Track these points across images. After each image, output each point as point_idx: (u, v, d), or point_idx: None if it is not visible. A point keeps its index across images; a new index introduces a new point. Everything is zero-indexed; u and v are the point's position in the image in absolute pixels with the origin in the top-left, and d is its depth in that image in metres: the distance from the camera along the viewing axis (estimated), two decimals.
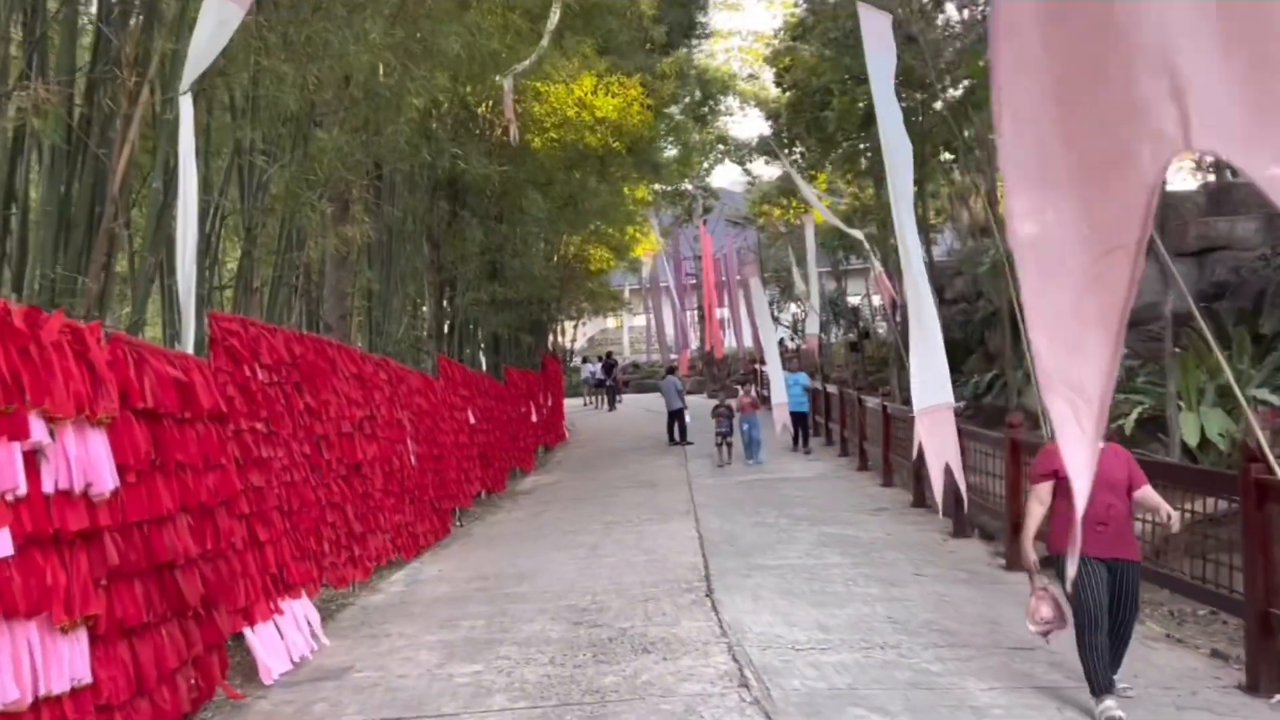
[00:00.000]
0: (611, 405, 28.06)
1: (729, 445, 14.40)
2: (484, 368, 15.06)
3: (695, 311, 33.13)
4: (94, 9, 5.53)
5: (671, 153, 24.78)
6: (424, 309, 12.66)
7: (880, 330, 26.93)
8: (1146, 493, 4.34)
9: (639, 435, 19.75)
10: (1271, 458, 4.38)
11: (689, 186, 31.17)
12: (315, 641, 5.96)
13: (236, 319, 5.96)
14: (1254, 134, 1.47)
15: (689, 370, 30.18)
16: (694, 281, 32.90)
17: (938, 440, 6.97)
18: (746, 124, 51.44)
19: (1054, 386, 1.84)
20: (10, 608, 3.35)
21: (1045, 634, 4.45)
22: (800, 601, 6.34)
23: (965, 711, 4.31)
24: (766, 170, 30.37)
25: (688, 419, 17.27)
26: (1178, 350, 10.51)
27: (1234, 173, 18.53)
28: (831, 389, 16.49)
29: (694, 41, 24.14)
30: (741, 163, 30.69)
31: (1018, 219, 1.92)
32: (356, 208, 8.63)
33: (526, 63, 8.56)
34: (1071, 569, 2.24)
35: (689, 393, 20.11)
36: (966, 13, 16.20)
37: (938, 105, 14.31)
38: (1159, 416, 9.83)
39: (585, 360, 33.01)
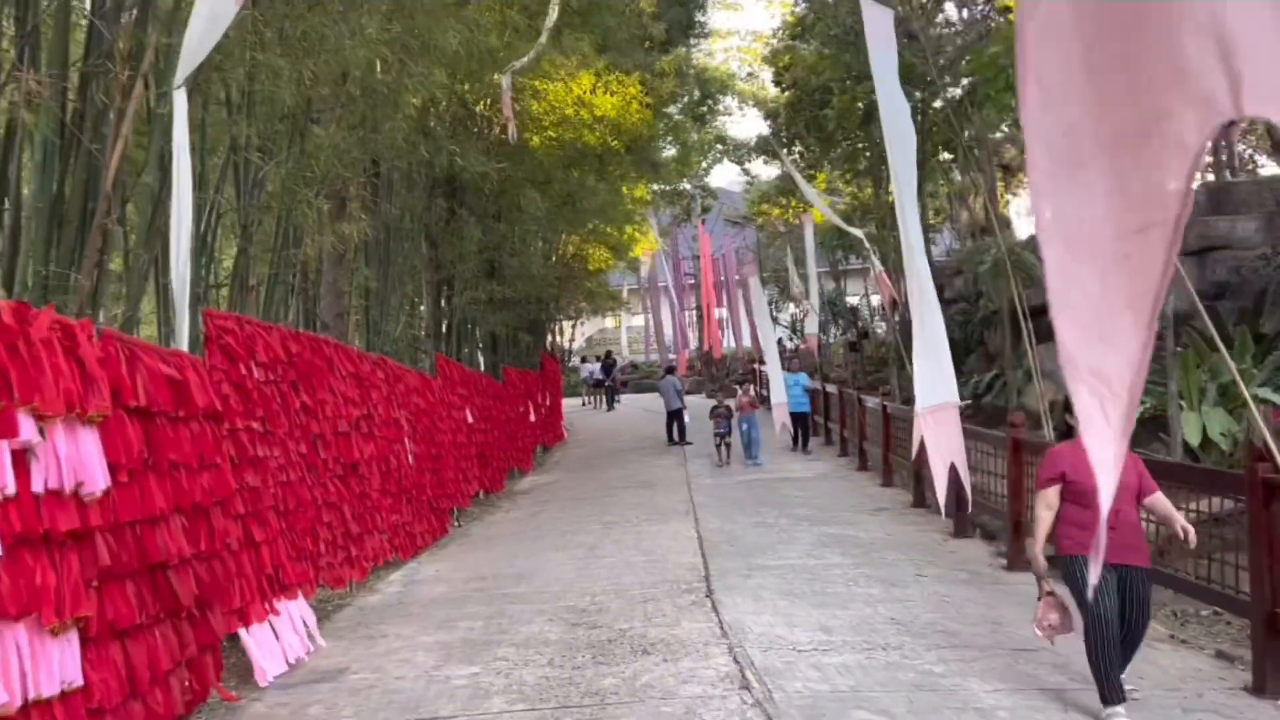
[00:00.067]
0: (610, 405, 28.00)
1: (727, 445, 14.35)
2: (482, 367, 15.00)
3: (694, 311, 33.09)
4: (87, 2, 5.47)
5: (670, 152, 24.73)
6: (422, 308, 12.60)
7: (879, 330, 26.91)
8: (1158, 499, 4.26)
9: (638, 435, 19.69)
10: (1279, 457, 4.34)
11: (687, 186, 31.13)
12: (311, 643, 5.90)
13: (232, 317, 5.90)
14: None
15: (687, 370, 30.14)
16: (693, 281, 32.87)
17: (942, 440, 6.90)
18: (745, 124, 51.41)
19: (1079, 376, 1.73)
20: None
21: (1050, 638, 4.40)
22: (801, 602, 6.29)
23: (970, 714, 4.25)
24: (765, 170, 30.35)
25: (686, 419, 17.21)
26: (1179, 350, 10.47)
27: (1233, 172, 18.49)
28: (831, 389, 16.44)
29: (693, 40, 24.10)
30: (740, 162, 30.65)
31: (1042, 196, 1.81)
32: (354, 205, 8.57)
33: (525, 60, 8.50)
34: (1093, 576, 2.13)
35: (688, 393, 20.05)
36: (966, 12, 16.18)
37: (938, 104, 14.27)
38: (1160, 416, 9.78)
39: (584, 360, 32.94)
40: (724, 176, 41.22)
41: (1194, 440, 10.01)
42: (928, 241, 16.74)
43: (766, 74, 25.92)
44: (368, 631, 6.36)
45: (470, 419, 12.25)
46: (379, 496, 8.18)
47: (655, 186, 25.70)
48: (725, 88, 28.48)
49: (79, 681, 3.65)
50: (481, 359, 15.34)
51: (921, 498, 9.96)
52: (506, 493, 13.68)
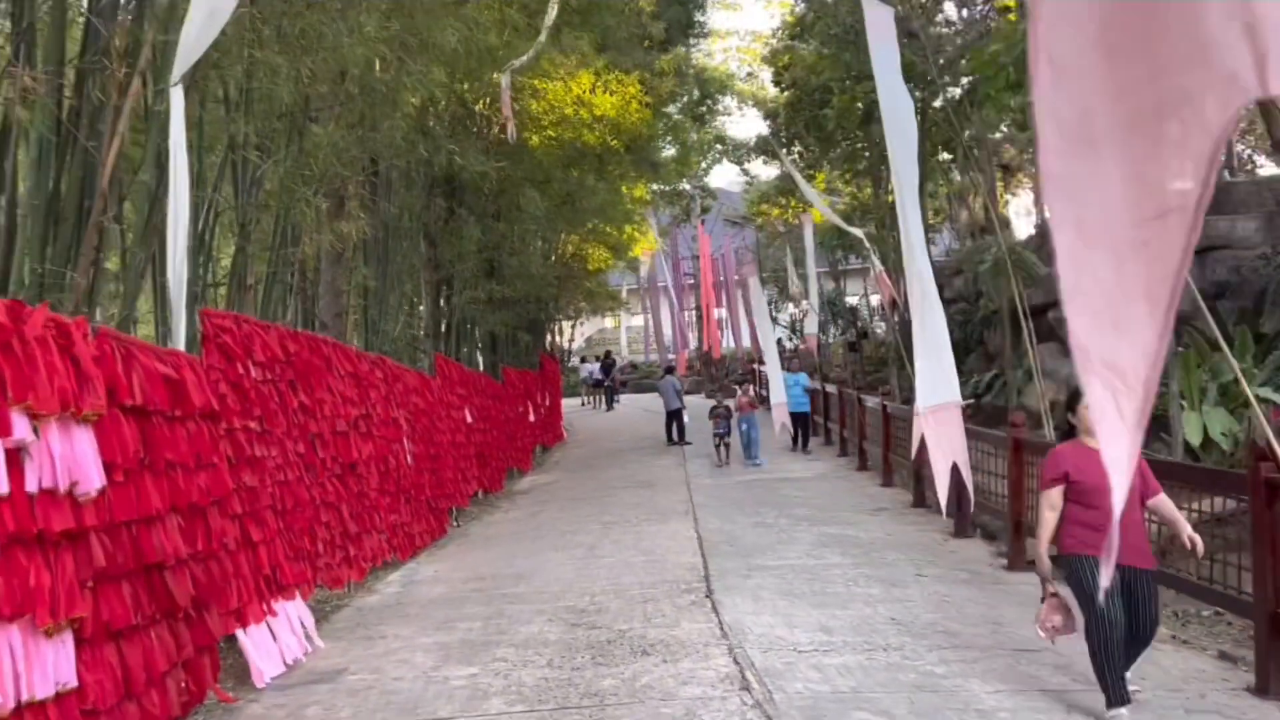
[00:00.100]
0: (609, 405, 27.97)
1: (727, 445, 14.32)
2: (481, 367, 14.97)
3: (693, 312, 33.07)
4: None
5: (670, 152, 24.71)
6: (421, 307, 12.58)
7: (879, 330, 26.90)
8: (1162, 501, 4.23)
9: (637, 435, 19.66)
10: None
11: (687, 186, 31.12)
12: (309, 643, 5.87)
13: (229, 315, 5.87)
14: None
15: (687, 370, 30.13)
16: (692, 281, 32.86)
17: (944, 439, 6.85)
18: (744, 124, 51.44)
19: (1091, 368, 1.65)
20: None
21: (1051, 638, 4.37)
22: (801, 602, 6.26)
23: (971, 715, 4.22)
24: (764, 170, 30.35)
25: (686, 419, 17.18)
26: (1180, 349, 10.45)
27: (1233, 172, 18.46)
28: (830, 389, 16.42)
29: (692, 40, 24.07)
30: (739, 163, 30.66)
31: (1054, 180, 1.74)
32: (352, 204, 8.54)
33: (524, 58, 8.47)
34: (1105, 580, 2.07)
35: (687, 393, 20.03)
36: (965, 11, 16.16)
37: (937, 103, 14.24)
38: (1161, 415, 9.75)
39: (583, 360, 32.91)
40: (723, 177, 41.20)
41: (1195, 440, 9.99)
42: (927, 242, 16.72)
43: (766, 74, 25.93)
44: (366, 632, 6.33)
45: (469, 419, 12.22)
46: (377, 496, 8.15)
47: (655, 186, 25.68)
48: (724, 88, 28.47)
49: (73, 683, 3.62)
50: (480, 359, 15.31)
51: (921, 497, 9.94)
52: (505, 493, 13.64)
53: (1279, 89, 1.36)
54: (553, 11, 8.38)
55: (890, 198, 16.84)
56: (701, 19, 23.78)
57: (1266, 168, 20.75)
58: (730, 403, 14.95)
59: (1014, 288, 10.20)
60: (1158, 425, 10.10)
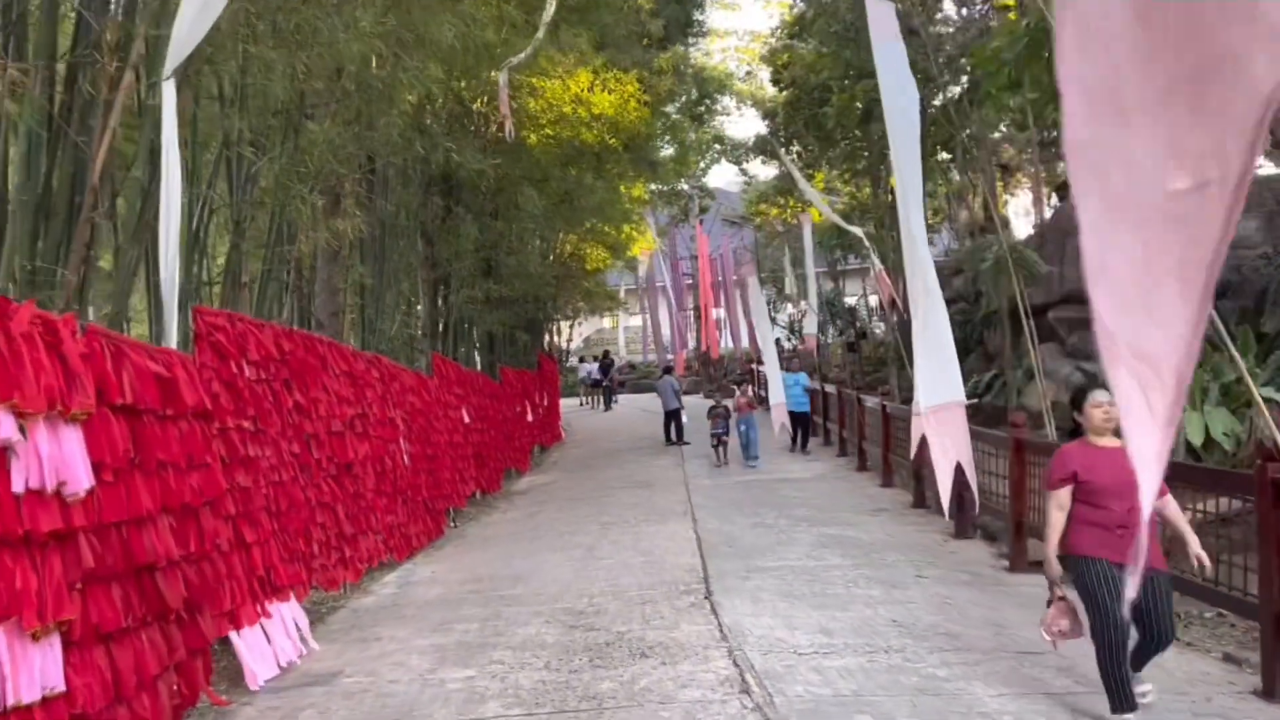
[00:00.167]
0: (608, 405, 27.91)
1: (725, 446, 14.26)
2: (479, 366, 14.91)
3: (691, 312, 33.02)
4: None
5: (668, 151, 24.67)
6: (418, 306, 12.51)
7: (877, 330, 26.86)
8: (1169, 504, 4.15)
9: (635, 435, 19.60)
10: None
11: (685, 186, 31.08)
12: (304, 646, 5.81)
13: (223, 314, 5.80)
14: None
15: (685, 371, 30.08)
16: (690, 281, 32.81)
17: (947, 439, 6.76)
18: (743, 124, 51.43)
19: (1118, 355, 1.53)
20: None
21: (1055, 642, 4.30)
22: (801, 604, 6.20)
23: (975, 718, 4.16)
24: (763, 170, 30.32)
25: (684, 419, 17.13)
26: None
27: None
28: (830, 389, 16.36)
29: (691, 39, 24.04)
30: (738, 162, 30.63)
31: (1079, 149, 1.60)
32: (349, 202, 8.47)
33: (522, 55, 8.39)
34: (1132, 591, 1.94)
35: (685, 393, 19.97)
36: (965, 10, 16.13)
37: (937, 101, 14.19)
38: None
39: (582, 360, 32.85)
40: (722, 177, 41.20)
41: (1197, 440, 9.94)
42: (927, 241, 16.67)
43: (764, 73, 25.90)
44: (361, 634, 6.26)
45: (467, 419, 12.15)
46: (374, 497, 8.08)
47: (653, 186, 25.64)
48: (723, 87, 28.44)
49: (61, 687, 3.55)
50: (478, 358, 15.25)
51: (921, 498, 9.88)
52: (503, 493, 13.58)
53: None
54: (551, 8, 8.30)
55: (889, 197, 16.81)
56: (700, 18, 23.75)
57: (1266, 168, 20.71)
58: (729, 403, 14.88)
59: (1015, 287, 10.14)
60: None
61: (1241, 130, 1.35)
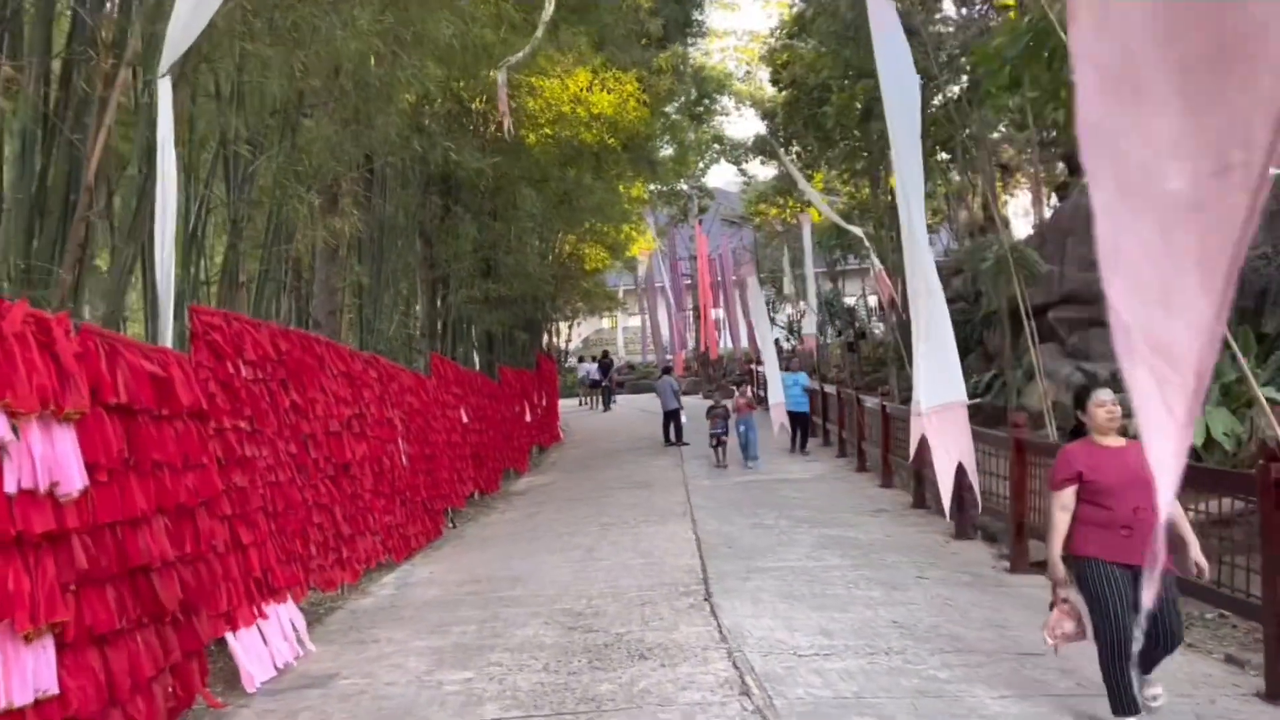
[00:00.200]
0: (607, 405, 27.88)
1: (724, 446, 14.23)
2: (478, 366, 14.87)
3: (691, 312, 32.99)
4: None
5: (667, 151, 24.64)
6: (416, 306, 12.47)
7: (877, 331, 26.84)
8: (1174, 508, 4.12)
9: (634, 436, 19.57)
10: None
11: (684, 186, 31.07)
12: (300, 647, 5.77)
13: (219, 313, 5.76)
14: None
15: (684, 371, 30.05)
16: (689, 282, 32.79)
17: (949, 440, 6.71)
18: (742, 124, 51.42)
19: (1135, 350, 1.46)
20: None
21: (1057, 645, 4.26)
22: (801, 605, 6.16)
23: None
24: (762, 170, 30.31)
25: (684, 419, 17.09)
26: None
27: None
28: (829, 389, 16.33)
29: (690, 39, 24.02)
30: (737, 162, 30.62)
31: (1093, 131, 1.52)
32: (346, 201, 8.44)
33: (521, 54, 8.37)
34: (1149, 598, 1.87)
35: (685, 393, 19.94)
36: (965, 10, 16.10)
37: (937, 101, 14.17)
38: None
39: (581, 360, 32.83)
40: (721, 177, 41.17)
41: (1198, 441, 9.91)
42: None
43: (764, 73, 25.88)
44: (359, 636, 6.22)
45: (465, 419, 12.12)
46: (371, 497, 8.04)
47: (652, 186, 25.62)
48: (722, 87, 28.44)
49: (54, 689, 3.51)
50: (477, 358, 15.21)
51: (921, 499, 9.85)
52: (502, 494, 13.54)
53: None
54: (550, 7, 8.27)
55: (889, 197, 16.78)
56: (699, 17, 23.72)
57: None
58: (728, 403, 14.85)
59: (1015, 287, 10.12)
60: None
61: (1268, 111, 1.27)
